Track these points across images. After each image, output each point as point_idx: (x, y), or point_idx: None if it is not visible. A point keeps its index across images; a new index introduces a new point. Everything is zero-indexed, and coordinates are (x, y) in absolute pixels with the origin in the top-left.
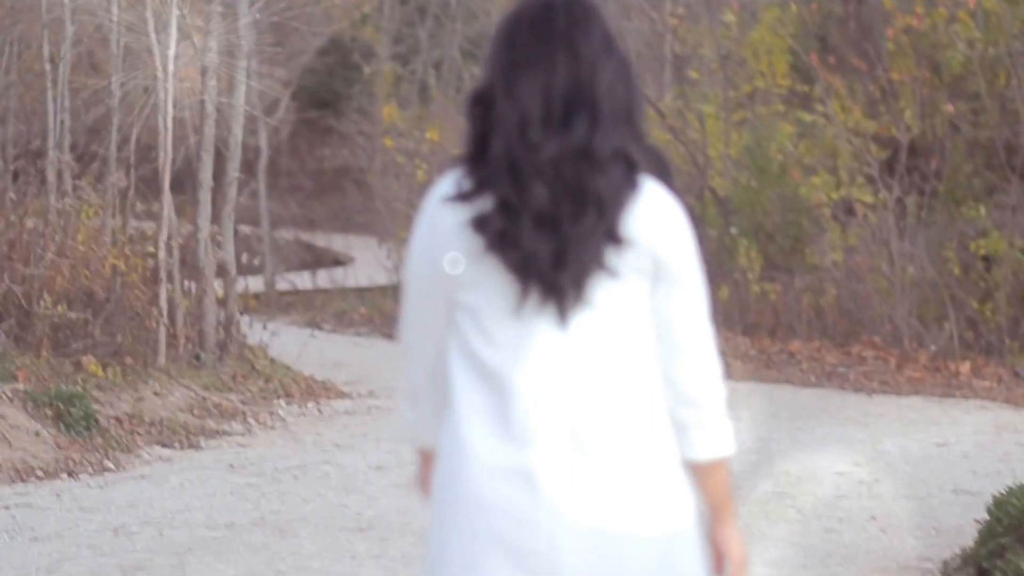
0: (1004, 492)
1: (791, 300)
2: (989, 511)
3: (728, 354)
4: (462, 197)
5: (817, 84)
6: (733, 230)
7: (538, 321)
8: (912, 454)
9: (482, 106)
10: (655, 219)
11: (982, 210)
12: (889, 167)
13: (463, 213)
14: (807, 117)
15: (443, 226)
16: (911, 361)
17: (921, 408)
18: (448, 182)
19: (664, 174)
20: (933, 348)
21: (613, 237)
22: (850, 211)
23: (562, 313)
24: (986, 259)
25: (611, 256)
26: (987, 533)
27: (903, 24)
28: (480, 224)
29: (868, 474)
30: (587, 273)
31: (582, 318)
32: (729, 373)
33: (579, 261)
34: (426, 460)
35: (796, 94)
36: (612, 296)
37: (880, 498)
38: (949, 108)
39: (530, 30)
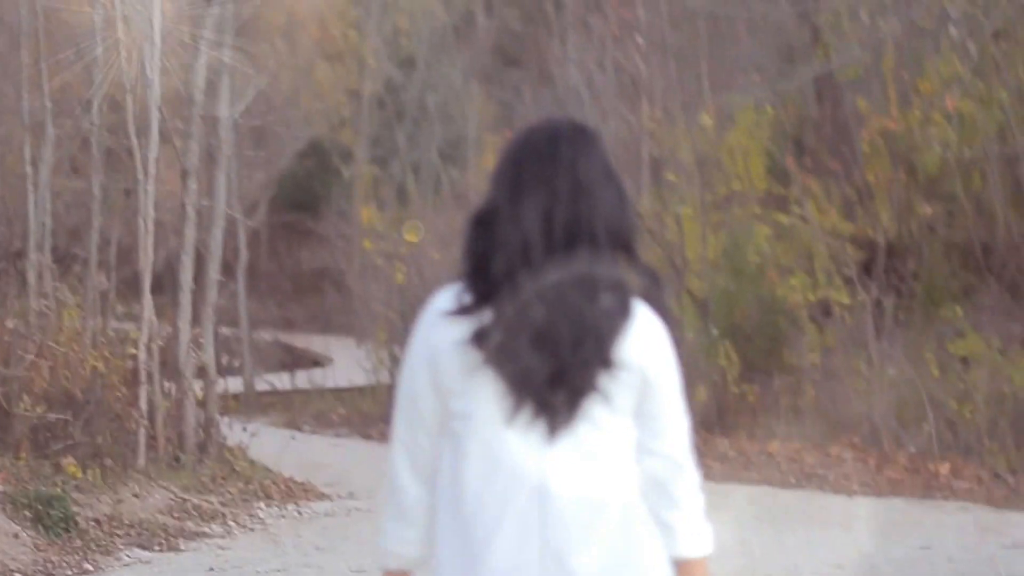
0: None
1: (769, 401)
2: None
3: (707, 455)
4: (462, 311)
5: (793, 186)
6: (713, 331)
7: (528, 434)
8: (895, 557)
9: (483, 226)
10: (645, 343)
11: (959, 311)
12: (866, 268)
13: (462, 327)
14: (784, 219)
15: (442, 338)
16: (890, 462)
17: (902, 510)
18: (446, 296)
19: (657, 292)
20: (912, 449)
21: (607, 362)
22: (828, 312)
23: (552, 429)
24: (964, 360)
25: (604, 379)
26: None
27: (878, 127)
28: (480, 338)
29: None
30: (581, 395)
31: (571, 434)
32: (708, 474)
33: (575, 383)
34: None
35: (773, 196)
36: (600, 414)
37: None
38: (926, 210)
39: (535, 155)
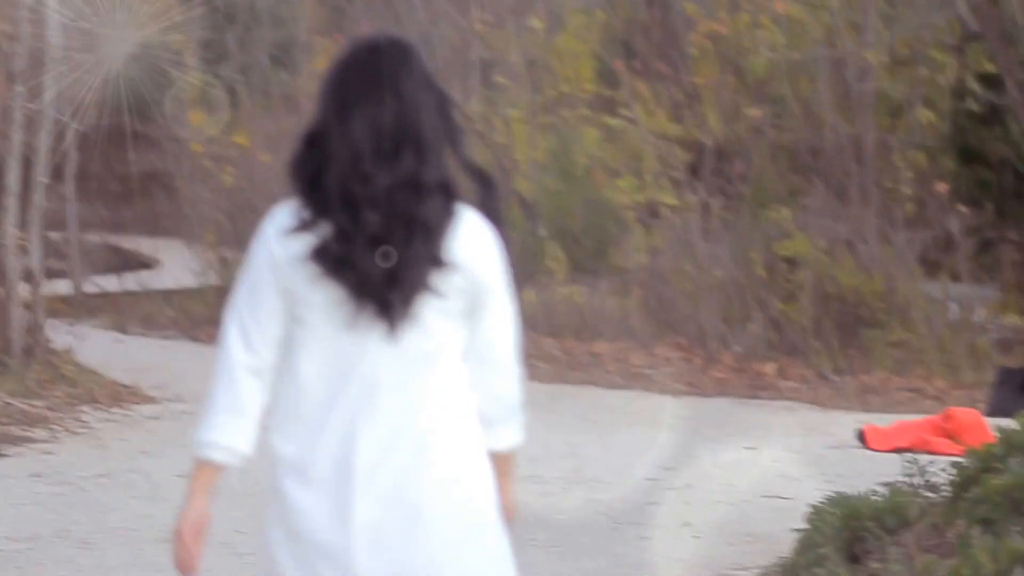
0: (821, 501)
1: (597, 302)
2: (808, 520)
3: (534, 356)
4: (301, 227)
5: (623, 89)
6: (541, 232)
7: (367, 336)
8: (722, 458)
9: (314, 143)
10: (474, 245)
11: (786, 213)
12: (694, 171)
13: (302, 241)
14: (612, 121)
15: (283, 254)
16: (717, 362)
17: (729, 410)
18: (284, 213)
19: (489, 195)
20: (738, 349)
21: (437, 261)
22: (655, 214)
23: (392, 328)
24: (790, 261)
25: (436, 278)
26: (806, 543)
27: (707, 30)
28: (319, 252)
29: (679, 479)
30: (416, 293)
31: (406, 336)
32: (535, 375)
33: (409, 282)
34: (208, 481)
35: (602, 99)
36: (435, 313)
37: (692, 504)
38: (754, 112)
39: (358, 73)
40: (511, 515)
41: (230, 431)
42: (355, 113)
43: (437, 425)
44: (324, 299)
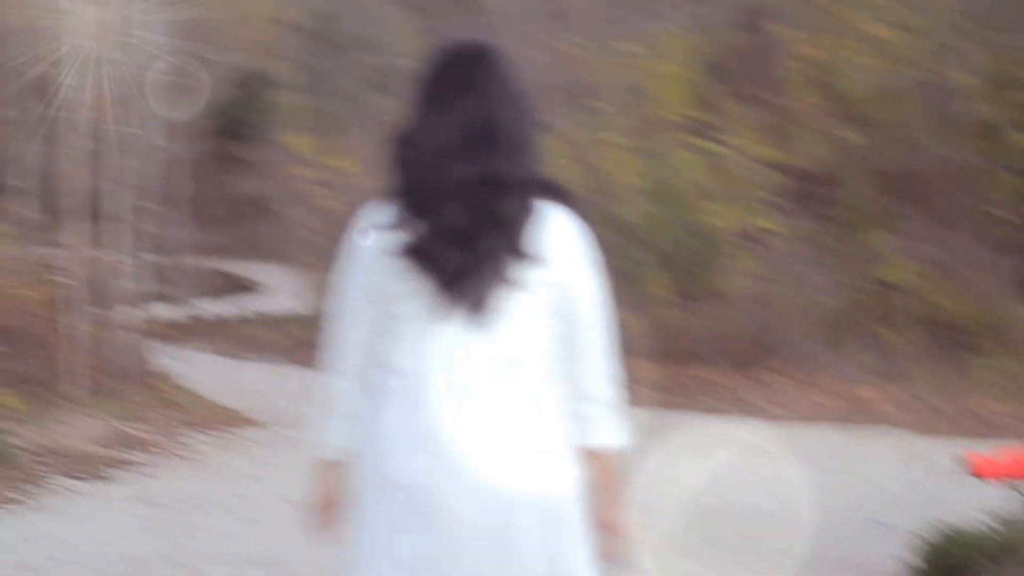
0: (930, 531)
1: (697, 327)
2: (910, 548)
3: (637, 381)
4: (389, 223)
5: (719, 113)
6: (641, 257)
7: (457, 327)
8: (822, 484)
9: (403, 144)
10: (559, 240)
11: (883, 236)
12: (792, 195)
13: (390, 236)
14: (710, 146)
15: (373, 249)
16: (816, 387)
17: (829, 435)
18: (374, 210)
19: (565, 201)
20: (838, 374)
21: (517, 253)
22: (754, 238)
23: (475, 319)
24: (889, 285)
25: (517, 270)
26: (909, 571)
27: (802, 54)
28: (406, 246)
29: (780, 505)
30: (494, 284)
31: (492, 323)
32: (637, 400)
33: (487, 273)
34: (327, 474)
35: (699, 123)
36: (519, 305)
37: (793, 530)
38: (850, 136)
39: (444, 75)
40: (617, 528)
41: (333, 430)
42: (440, 113)
43: (525, 421)
44: (412, 292)
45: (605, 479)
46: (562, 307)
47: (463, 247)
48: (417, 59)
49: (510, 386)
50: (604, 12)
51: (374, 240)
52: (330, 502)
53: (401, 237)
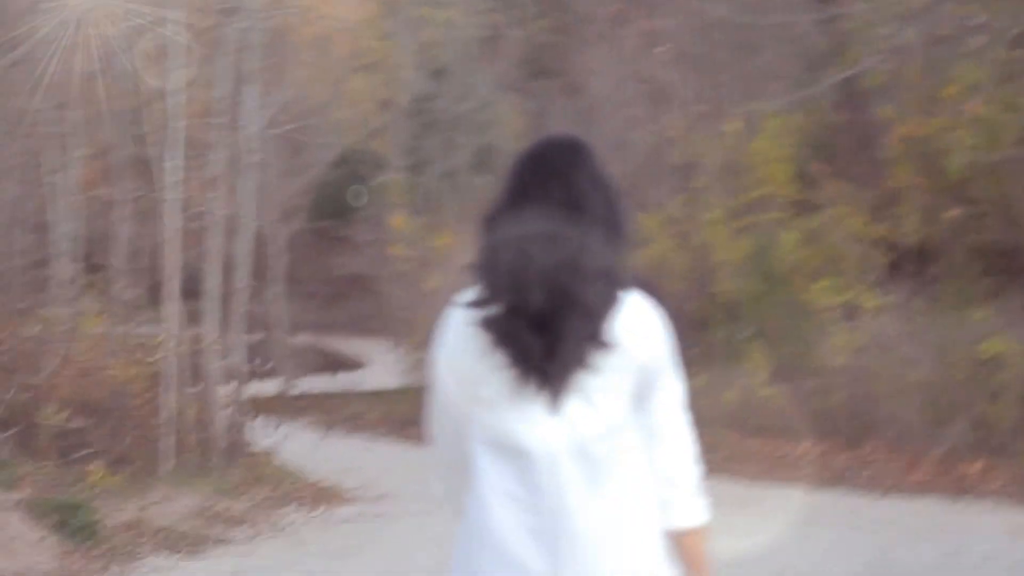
0: None
1: (799, 402)
2: None
3: (737, 457)
4: (476, 303)
5: (820, 191)
6: (743, 334)
7: (535, 407)
8: (925, 560)
9: (491, 227)
10: (636, 325)
11: (987, 312)
12: (894, 270)
13: (477, 316)
14: (810, 222)
15: (461, 327)
16: (920, 463)
17: (932, 511)
18: (465, 292)
19: (647, 289)
20: (942, 450)
21: (597, 340)
22: (855, 315)
23: (554, 400)
24: (992, 360)
25: (596, 356)
26: None
27: (903, 132)
28: (489, 324)
29: None
30: (572, 367)
31: (571, 406)
32: (738, 475)
33: (566, 356)
34: None
35: (799, 201)
36: (602, 392)
37: None
38: (952, 212)
39: (533, 164)
40: None
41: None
42: (527, 200)
43: (611, 507)
44: (494, 372)
45: (691, 557)
46: (641, 393)
47: (543, 330)
48: (518, 140)
49: (594, 471)
50: (707, 93)
51: (463, 316)
52: None
53: (484, 315)
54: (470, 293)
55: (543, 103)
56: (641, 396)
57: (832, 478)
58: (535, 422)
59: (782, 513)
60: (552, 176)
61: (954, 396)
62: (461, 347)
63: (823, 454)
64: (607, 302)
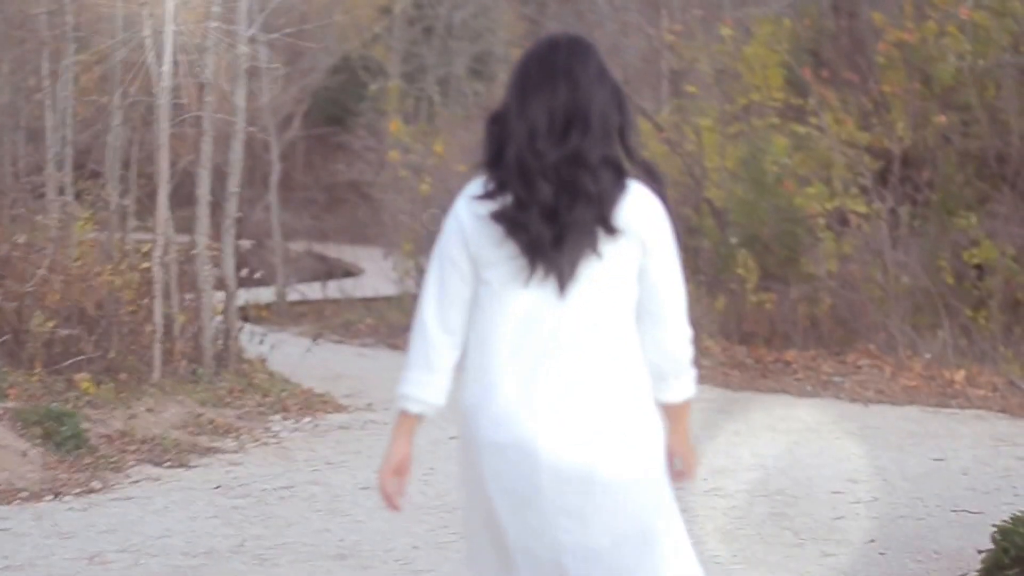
0: (1008, 519)
1: (787, 310)
2: (994, 540)
3: (725, 364)
4: (486, 195)
5: (811, 97)
6: (732, 240)
7: (542, 291)
8: (910, 470)
9: (499, 124)
10: (640, 212)
11: (974, 219)
12: (882, 178)
13: (486, 208)
14: (801, 129)
15: (470, 218)
16: (906, 370)
17: (917, 419)
18: (475, 184)
19: (656, 183)
20: (928, 356)
21: (605, 226)
22: (844, 221)
23: (561, 286)
24: (978, 268)
25: (603, 242)
26: (992, 563)
27: (894, 38)
28: (499, 216)
29: (866, 492)
30: (581, 254)
31: (578, 290)
32: (725, 382)
33: (574, 244)
34: (407, 428)
35: (790, 107)
36: (603, 273)
37: (879, 519)
38: (941, 119)
39: (538, 63)
40: (688, 466)
41: (424, 385)
42: (533, 98)
43: (609, 380)
44: (504, 259)
45: (677, 421)
46: (641, 273)
47: (551, 220)
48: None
49: (596, 348)
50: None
51: (471, 207)
52: (403, 463)
53: (495, 206)
54: (478, 186)
55: (539, 10)
56: (640, 275)
57: (819, 385)
58: (543, 305)
59: (769, 422)
60: (557, 73)
61: (940, 303)
62: (472, 234)
63: (810, 361)
64: (612, 191)
